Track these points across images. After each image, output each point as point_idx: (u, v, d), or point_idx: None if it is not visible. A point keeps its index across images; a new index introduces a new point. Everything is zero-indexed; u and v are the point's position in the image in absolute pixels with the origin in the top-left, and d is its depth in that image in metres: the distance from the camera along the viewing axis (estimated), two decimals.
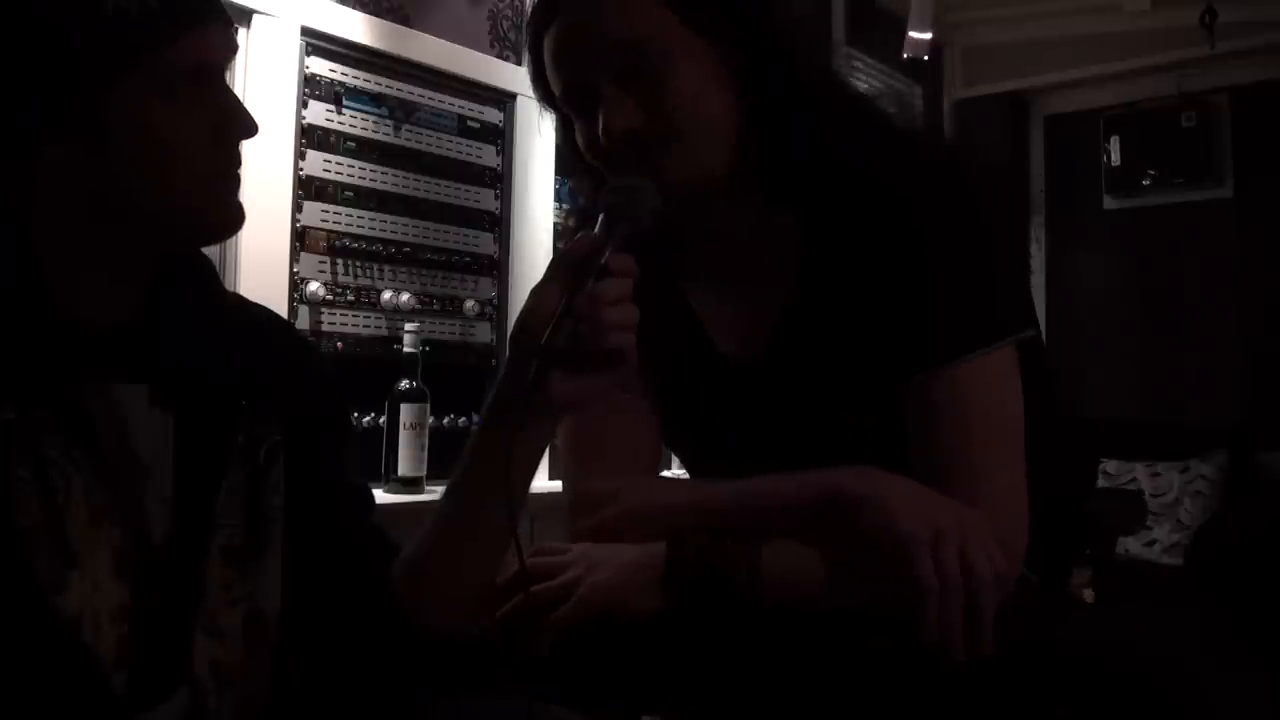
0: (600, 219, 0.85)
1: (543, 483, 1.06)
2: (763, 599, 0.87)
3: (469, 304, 2.32)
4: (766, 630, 0.88)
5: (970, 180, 0.96)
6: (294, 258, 2.03)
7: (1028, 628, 0.87)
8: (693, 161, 0.95)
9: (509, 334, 0.86)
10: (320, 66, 2.10)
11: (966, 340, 0.90)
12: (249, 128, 0.84)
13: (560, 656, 0.89)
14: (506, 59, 2.48)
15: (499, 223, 2.41)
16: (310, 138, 2.07)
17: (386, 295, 2.16)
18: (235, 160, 0.85)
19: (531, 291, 0.83)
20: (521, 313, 0.83)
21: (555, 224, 2.50)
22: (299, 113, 2.05)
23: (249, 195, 0.87)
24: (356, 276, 2.14)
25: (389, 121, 2.21)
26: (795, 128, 0.96)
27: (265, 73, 1.98)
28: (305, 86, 2.06)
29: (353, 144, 2.14)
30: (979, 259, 0.92)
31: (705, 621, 0.89)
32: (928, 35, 3.37)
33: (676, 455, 1.18)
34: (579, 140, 0.99)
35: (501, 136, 2.43)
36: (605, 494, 0.98)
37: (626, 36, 0.92)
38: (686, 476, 1.17)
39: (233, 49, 0.86)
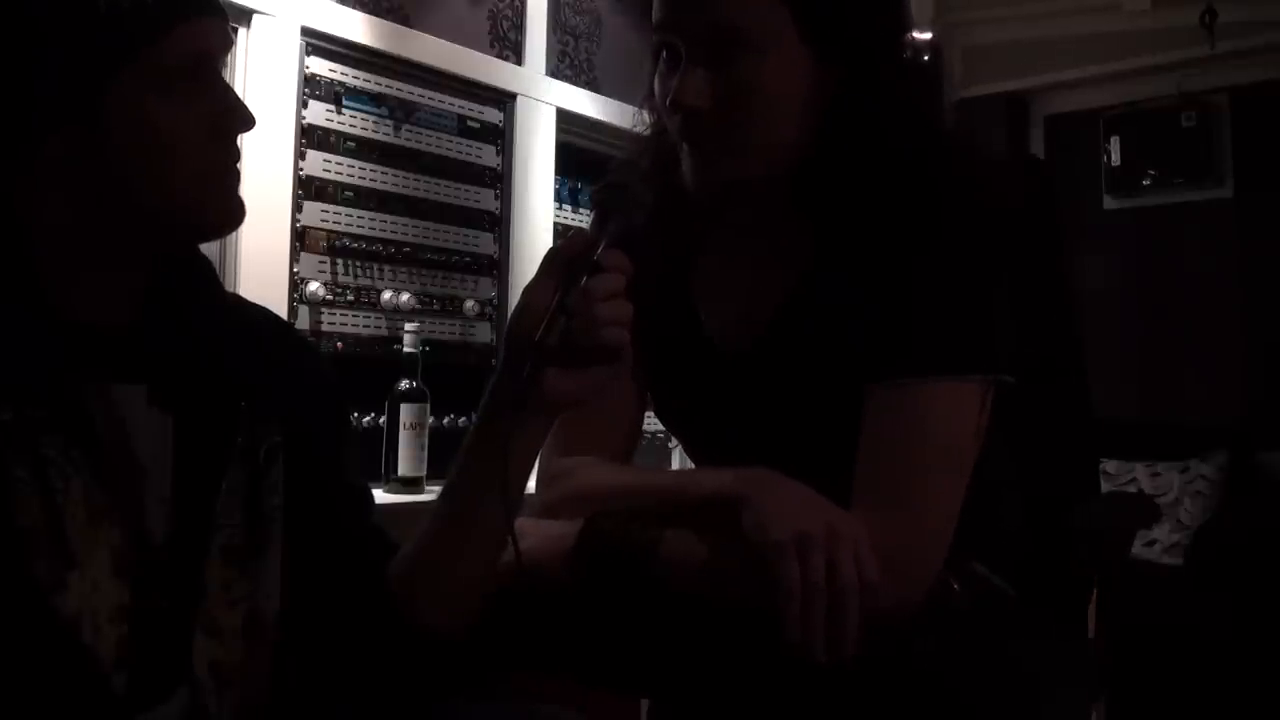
0: (593, 215, 0.85)
1: None
2: (666, 582, 0.89)
3: (469, 304, 2.32)
4: (669, 608, 0.90)
5: (1000, 233, 0.95)
6: (294, 258, 2.03)
7: (953, 635, 0.88)
8: (744, 157, 0.96)
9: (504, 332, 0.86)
10: (320, 66, 2.10)
11: (927, 363, 0.91)
12: (246, 121, 0.84)
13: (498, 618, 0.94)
14: (506, 59, 2.48)
15: (499, 223, 2.41)
16: (310, 138, 2.07)
17: (386, 295, 2.16)
18: (234, 154, 0.85)
19: (525, 289, 0.83)
20: (515, 310, 0.84)
21: (555, 224, 2.50)
22: (299, 113, 2.05)
23: (249, 195, 0.87)
24: (356, 276, 2.14)
25: (389, 121, 2.21)
26: (859, 156, 0.94)
27: (265, 72, 1.98)
28: (305, 86, 2.06)
29: (353, 144, 2.14)
30: (970, 298, 0.93)
31: (612, 595, 0.92)
32: (927, 35, 3.37)
33: (675, 439, 1.20)
34: (655, 83, 0.99)
35: (501, 136, 2.42)
36: (561, 472, 1.02)
37: (724, 21, 0.91)
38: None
39: (228, 42, 0.86)
